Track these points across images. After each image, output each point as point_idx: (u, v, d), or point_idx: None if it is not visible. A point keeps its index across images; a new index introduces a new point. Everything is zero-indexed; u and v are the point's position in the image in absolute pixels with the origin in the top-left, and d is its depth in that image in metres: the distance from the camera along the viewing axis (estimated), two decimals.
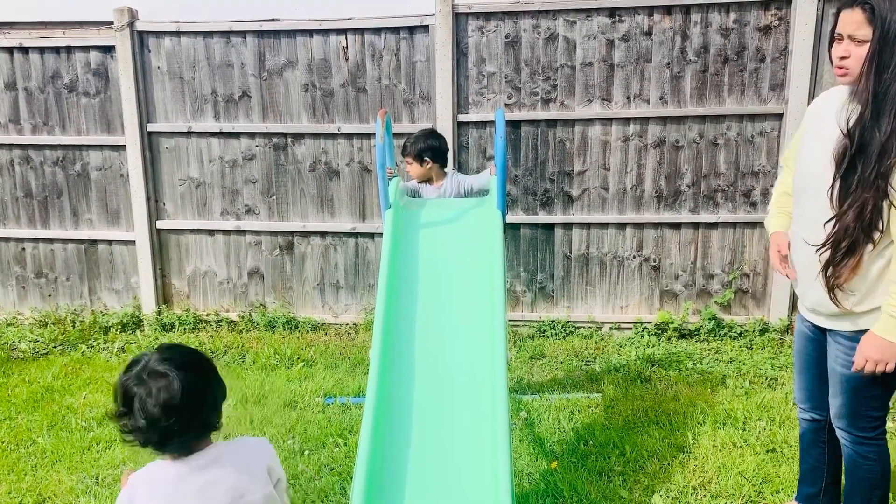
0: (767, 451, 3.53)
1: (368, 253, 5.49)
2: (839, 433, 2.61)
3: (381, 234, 3.90)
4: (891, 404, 2.66)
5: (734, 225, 5.15)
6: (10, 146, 5.63)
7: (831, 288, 2.37)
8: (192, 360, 1.84)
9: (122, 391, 1.80)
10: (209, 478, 1.81)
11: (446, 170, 4.05)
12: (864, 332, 2.37)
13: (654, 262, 5.25)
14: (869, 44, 2.21)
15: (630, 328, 5.31)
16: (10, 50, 5.51)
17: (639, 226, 5.20)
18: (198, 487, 1.79)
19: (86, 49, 5.46)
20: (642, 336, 5.18)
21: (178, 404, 1.73)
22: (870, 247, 2.29)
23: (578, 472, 3.37)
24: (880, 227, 2.26)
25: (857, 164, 2.26)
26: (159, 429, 1.74)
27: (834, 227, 2.33)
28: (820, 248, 2.37)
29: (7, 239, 5.80)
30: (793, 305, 5.20)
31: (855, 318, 2.41)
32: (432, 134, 4.09)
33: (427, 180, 4.02)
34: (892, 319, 2.26)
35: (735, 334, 5.14)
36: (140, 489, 1.80)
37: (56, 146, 5.60)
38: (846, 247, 2.31)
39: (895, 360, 2.29)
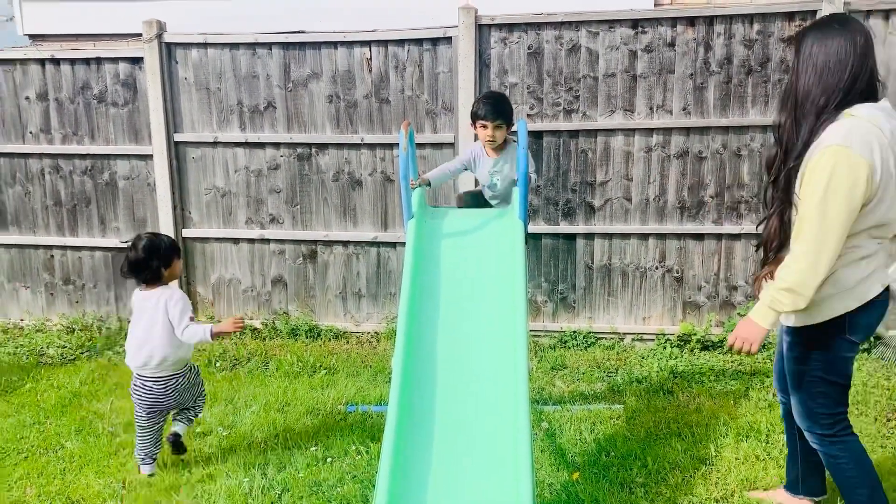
0: None
1: (390, 262, 5.52)
2: (807, 436, 2.75)
3: (403, 243, 3.94)
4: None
5: (758, 237, 5.10)
6: (41, 155, 5.75)
7: (759, 283, 2.67)
8: (159, 240, 3.53)
9: (132, 243, 3.49)
10: (152, 301, 3.45)
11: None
12: (800, 327, 2.60)
13: (677, 273, 5.23)
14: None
15: (652, 339, 5.29)
16: (42, 62, 5.63)
17: (661, 236, 5.19)
18: (149, 304, 3.45)
19: (115, 60, 5.56)
20: (665, 347, 5.15)
21: (145, 251, 3.44)
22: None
23: (600, 484, 3.36)
24: None
25: (780, 170, 2.55)
26: (136, 263, 3.44)
27: (765, 228, 2.65)
28: (756, 249, 2.64)
29: (37, 246, 5.91)
30: None
31: (789, 314, 2.60)
32: (503, 95, 4.03)
33: (493, 150, 3.93)
34: (764, 307, 2.53)
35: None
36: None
37: (85, 155, 5.71)
38: (775, 247, 2.60)
39: (758, 343, 2.56)
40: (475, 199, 4.18)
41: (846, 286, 2.49)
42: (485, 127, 3.85)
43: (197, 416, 3.75)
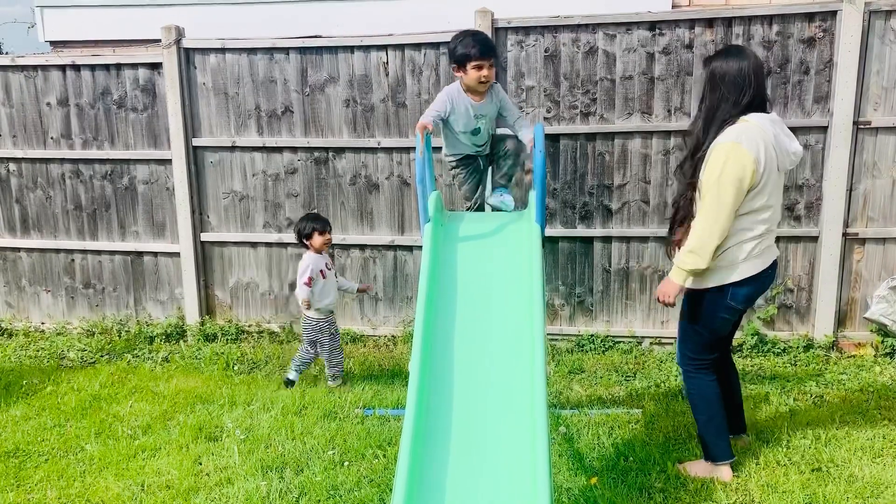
0: (813, 471, 3.46)
1: (407, 266, 5.53)
2: (680, 371, 3.62)
3: (420, 247, 3.92)
4: None
5: (778, 239, 5.04)
6: (62, 160, 5.82)
7: (672, 248, 3.43)
8: (301, 222, 4.70)
9: None
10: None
11: None
12: (695, 290, 3.29)
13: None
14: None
15: (671, 343, 5.25)
16: (62, 68, 5.69)
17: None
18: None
19: (134, 66, 5.62)
20: None
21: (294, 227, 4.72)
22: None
23: (618, 489, 3.33)
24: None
25: (688, 160, 3.28)
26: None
27: (675, 205, 3.42)
28: (670, 222, 3.44)
29: (58, 250, 5.97)
30: (838, 321, 5.09)
31: (692, 280, 3.27)
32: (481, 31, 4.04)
33: (476, 93, 3.87)
34: (675, 268, 3.24)
35: (779, 350, 5.05)
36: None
37: (105, 160, 5.77)
38: (679, 218, 3.33)
39: (673, 297, 3.26)
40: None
41: (733, 262, 3.18)
42: (480, 67, 3.74)
43: (331, 367, 4.71)
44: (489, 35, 5.01)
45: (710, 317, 3.31)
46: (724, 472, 3.42)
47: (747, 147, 3.02)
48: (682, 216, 3.31)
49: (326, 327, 4.69)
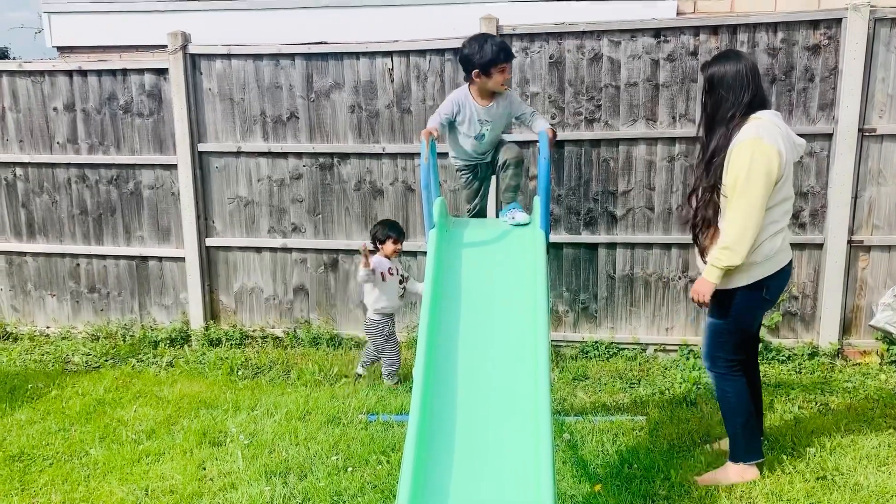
0: (818, 479, 3.44)
1: (411, 271, 5.53)
2: (707, 373, 3.58)
3: (424, 252, 3.93)
4: None
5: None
6: (68, 165, 5.84)
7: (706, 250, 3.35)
8: (374, 228, 4.96)
9: None
10: None
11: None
12: (730, 289, 3.27)
13: None
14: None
15: (675, 350, 5.24)
16: (69, 73, 5.72)
17: (684, 246, 5.15)
18: None
19: (140, 72, 5.64)
20: (688, 358, 5.11)
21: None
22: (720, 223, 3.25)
23: (622, 496, 3.32)
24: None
25: (702, 170, 3.31)
26: None
27: (698, 209, 3.36)
28: (691, 225, 3.42)
29: (63, 255, 5.99)
30: (843, 329, 5.08)
31: (725, 279, 3.26)
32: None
33: (483, 98, 3.84)
34: (709, 266, 3.24)
35: (783, 357, 5.04)
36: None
37: (111, 165, 5.79)
38: (707, 220, 3.30)
39: (708, 295, 3.26)
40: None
41: (767, 256, 3.22)
42: (503, 71, 3.73)
43: (386, 366, 4.86)
44: None
45: (747, 314, 3.35)
46: (754, 472, 3.44)
47: (769, 141, 3.08)
48: (701, 220, 3.32)
49: (383, 328, 4.83)
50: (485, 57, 3.69)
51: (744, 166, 3.08)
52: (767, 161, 3.07)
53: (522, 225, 3.76)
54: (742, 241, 3.13)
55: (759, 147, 3.07)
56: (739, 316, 3.34)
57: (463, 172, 4.16)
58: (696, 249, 3.44)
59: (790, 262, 3.38)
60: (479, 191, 4.19)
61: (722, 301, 3.32)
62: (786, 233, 3.30)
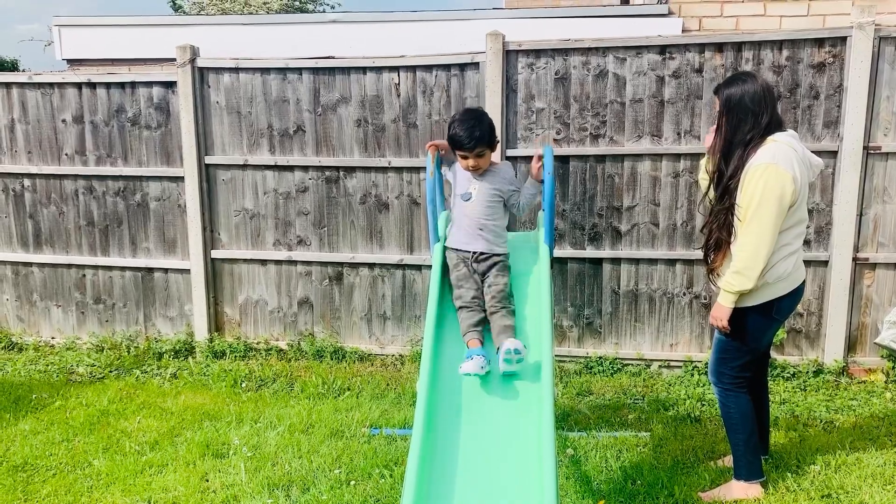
0: (822, 497, 3.42)
1: (415, 285, 5.54)
2: (713, 388, 3.57)
3: (429, 266, 3.93)
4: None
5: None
6: (76, 176, 5.88)
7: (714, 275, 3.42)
8: None
9: None
10: None
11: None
12: (741, 308, 3.28)
13: (705, 299, 5.18)
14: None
15: (680, 366, 5.23)
16: (78, 85, 5.77)
17: (689, 262, 5.15)
18: None
19: (149, 84, 5.69)
20: (692, 375, 5.09)
21: None
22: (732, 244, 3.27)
23: None
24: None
25: (718, 192, 3.30)
26: None
27: (710, 231, 3.38)
28: (703, 247, 3.45)
29: (69, 266, 6.02)
30: (848, 347, 5.07)
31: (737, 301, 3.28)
32: (482, 113, 3.49)
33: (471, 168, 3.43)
34: (723, 291, 3.27)
35: (788, 375, 5.02)
36: None
37: (118, 177, 5.82)
38: (718, 243, 3.32)
39: (725, 320, 3.27)
40: None
41: (779, 278, 3.23)
42: (465, 157, 3.37)
43: None
44: (499, 58, 5.07)
45: (756, 333, 3.36)
46: (758, 489, 3.43)
47: (784, 166, 3.08)
48: (715, 240, 3.33)
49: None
50: (450, 135, 3.40)
51: (757, 191, 3.09)
52: (781, 187, 3.08)
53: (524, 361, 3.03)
54: (753, 265, 3.14)
55: (774, 172, 3.07)
56: (748, 334, 3.34)
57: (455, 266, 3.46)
58: (706, 269, 3.47)
59: (803, 282, 3.37)
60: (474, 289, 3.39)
61: (732, 319, 3.31)
62: (799, 254, 3.29)
